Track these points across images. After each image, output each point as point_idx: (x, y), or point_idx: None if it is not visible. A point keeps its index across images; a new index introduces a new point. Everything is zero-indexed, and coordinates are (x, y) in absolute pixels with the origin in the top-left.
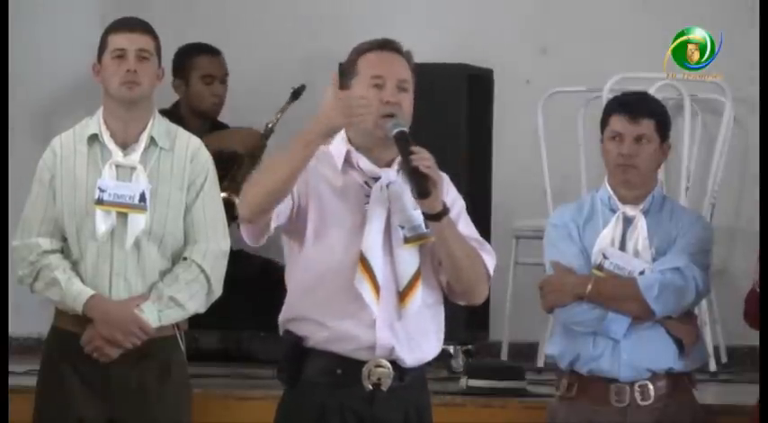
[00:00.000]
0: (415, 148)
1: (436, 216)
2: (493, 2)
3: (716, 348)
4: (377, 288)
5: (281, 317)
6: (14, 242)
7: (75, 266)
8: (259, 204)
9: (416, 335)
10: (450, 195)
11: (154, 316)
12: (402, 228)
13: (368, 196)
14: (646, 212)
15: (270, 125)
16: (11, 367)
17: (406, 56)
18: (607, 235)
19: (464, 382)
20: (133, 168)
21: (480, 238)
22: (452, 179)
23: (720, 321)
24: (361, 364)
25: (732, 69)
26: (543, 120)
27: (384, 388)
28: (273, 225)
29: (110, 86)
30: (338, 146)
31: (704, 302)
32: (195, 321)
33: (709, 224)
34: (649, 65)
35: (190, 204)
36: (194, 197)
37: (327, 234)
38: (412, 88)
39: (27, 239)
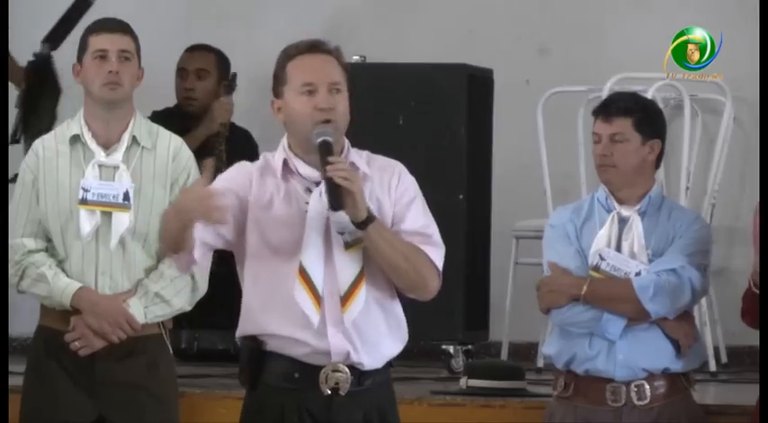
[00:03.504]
0: (331, 159)
1: (361, 224)
2: (493, 2)
3: (716, 348)
4: (317, 297)
5: (237, 333)
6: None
7: (60, 266)
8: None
9: (372, 337)
10: (403, 183)
11: (140, 312)
12: (341, 234)
13: (307, 203)
14: (643, 213)
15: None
16: (11, 367)
17: (336, 55)
18: (603, 236)
19: (464, 382)
20: (116, 168)
21: (428, 231)
22: (452, 179)
23: (720, 321)
24: (319, 368)
25: (732, 69)
26: (543, 120)
27: (342, 392)
28: (197, 257)
29: (91, 87)
30: (278, 154)
31: (704, 302)
32: (196, 321)
33: (707, 224)
34: (649, 65)
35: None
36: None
37: (271, 246)
38: (346, 87)
39: (11, 240)
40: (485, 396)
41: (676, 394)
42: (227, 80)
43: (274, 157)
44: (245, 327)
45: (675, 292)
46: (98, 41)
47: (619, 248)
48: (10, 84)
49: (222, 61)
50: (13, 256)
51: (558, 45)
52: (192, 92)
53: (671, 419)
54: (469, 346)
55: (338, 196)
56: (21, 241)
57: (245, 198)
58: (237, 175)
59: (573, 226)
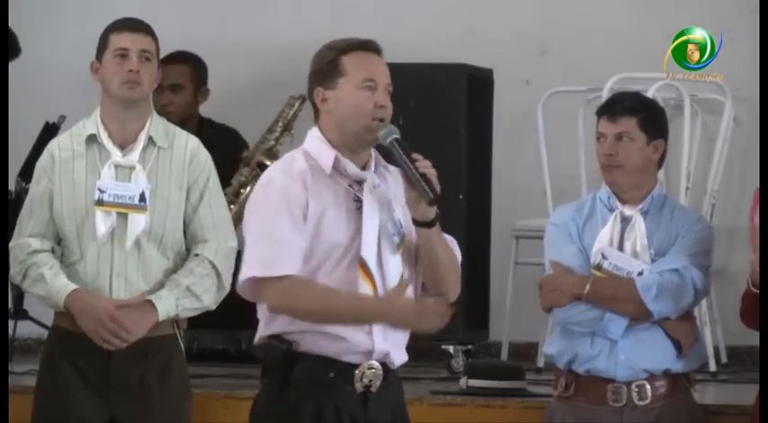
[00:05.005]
0: (416, 155)
1: (430, 223)
2: (493, 2)
3: (716, 348)
4: (376, 293)
5: (268, 330)
6: (11, 243)
7: (74, 267)
8: (300, 319)
9: (401, 337)
10: None
11: (171, 303)
12: (393, 235)
13: (356, 201)
14: (645, 213)
15: None
16: (11, 367)
17: (383, 57)
18: (605, 235)
19: (464, 382)
20: (132, 168)
21: (449, 236)
22: (452, 179)
23: (720, 321)
24: (354, 366)
25: (732, 69)
26: (543, 120)
27: (374, 389)
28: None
29: (110, 86)
30: (323, 150)
31: (704, 302)
32: (196, 321)
33: (709, 225)
34: (649, 65)
35: (195, 205)
36: (199, 198)
37: (324, 247)
38: None
39: (19, 239)
40: (485, 396)
41: (677, 394)
42: (204, 87)
43: (318, 153)
44: (278, 326)
45: (678, 292)
46: (119, 40)
47: (621, 248)
48: None
49: (197, 69)
50: (19, 254)
51: (558, 45)
52: (169, 107)
53: (671, 419)
54: (469, 346)
55: (435, 191)
56: (26, 241)
57: (306, 204)
58: (295, 187)
59: (575, 225)
